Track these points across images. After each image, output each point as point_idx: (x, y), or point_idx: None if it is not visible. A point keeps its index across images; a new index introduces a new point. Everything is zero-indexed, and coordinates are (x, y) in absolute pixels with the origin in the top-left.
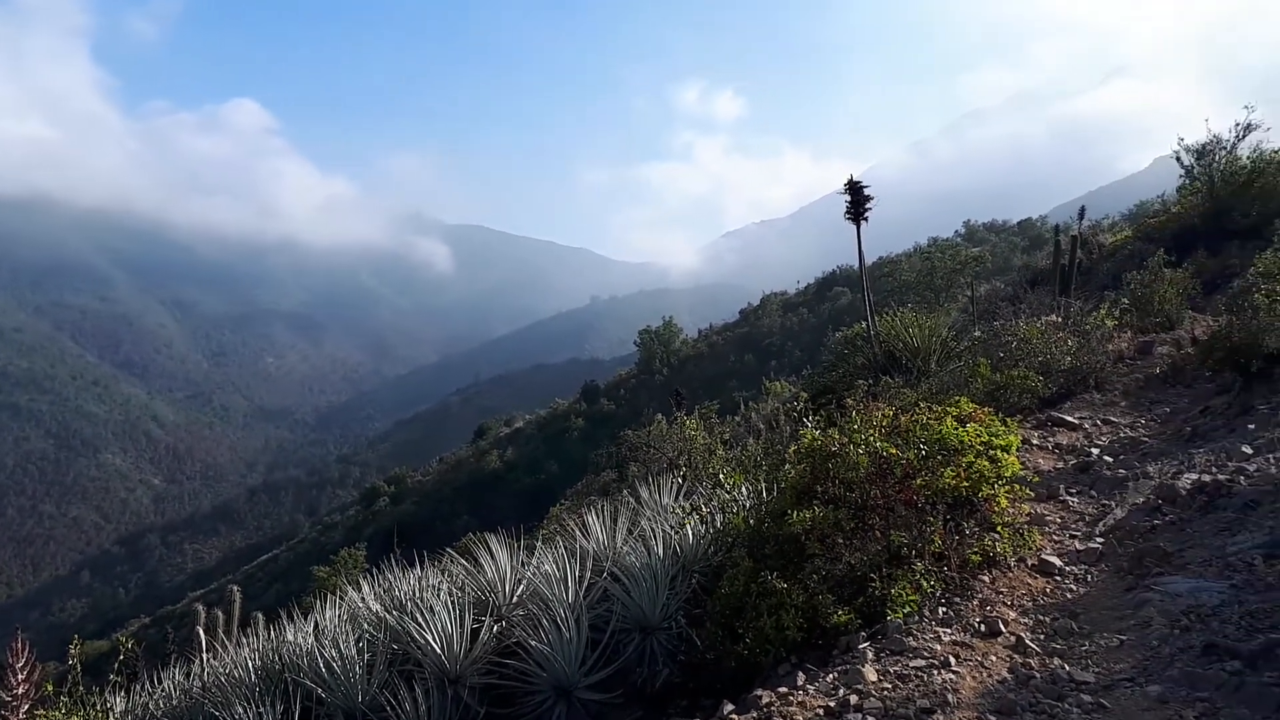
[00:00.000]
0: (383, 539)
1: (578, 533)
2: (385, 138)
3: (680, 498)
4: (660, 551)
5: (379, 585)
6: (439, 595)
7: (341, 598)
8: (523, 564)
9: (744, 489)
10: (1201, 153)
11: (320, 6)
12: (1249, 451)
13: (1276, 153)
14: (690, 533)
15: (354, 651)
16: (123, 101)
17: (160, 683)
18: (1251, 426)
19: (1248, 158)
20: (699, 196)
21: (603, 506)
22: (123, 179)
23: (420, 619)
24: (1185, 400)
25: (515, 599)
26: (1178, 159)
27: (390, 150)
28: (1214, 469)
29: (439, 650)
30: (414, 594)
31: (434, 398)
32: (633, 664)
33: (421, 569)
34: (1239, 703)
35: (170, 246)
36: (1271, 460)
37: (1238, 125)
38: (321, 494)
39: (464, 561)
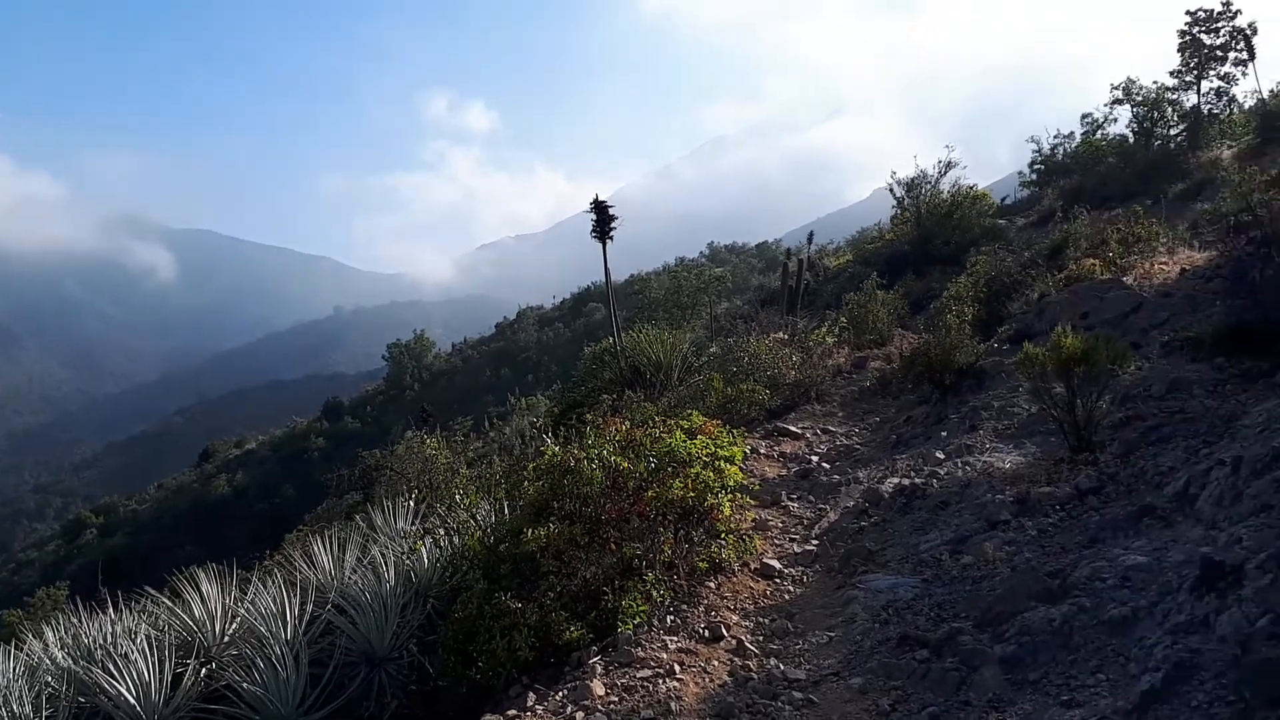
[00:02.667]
0: (90, 576)
1: (302, 563)
2: (101, 134)
3: (418, 520)
4: (392, 578)
5: (64, 631)
6: (135, 640)
7: (18, 648)
8: (238, 600)
9: (484, 508)
10: (910, 186)
11: None
12: (941, 456)
13: (972, 188)
14: (425, 556)
15: (29, 710)
16: None
17: None
18: (944, 434)
19: (948, 192)
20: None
21: (331, 534)
22: None
23: (112, 668)
24: (893, 410)
25: (227, 638)
26: (891, 191)
27: (105, 148)
28: (912, 473)
29: (133, 702)
30: (105, 640)
31: (153, 417)
32: (359, 698)
33: (118, 610)
34: (926, 688)
35: None
36: (959, 464)
37: (940, 163)
38: (15, 528)
39: (167, 600)
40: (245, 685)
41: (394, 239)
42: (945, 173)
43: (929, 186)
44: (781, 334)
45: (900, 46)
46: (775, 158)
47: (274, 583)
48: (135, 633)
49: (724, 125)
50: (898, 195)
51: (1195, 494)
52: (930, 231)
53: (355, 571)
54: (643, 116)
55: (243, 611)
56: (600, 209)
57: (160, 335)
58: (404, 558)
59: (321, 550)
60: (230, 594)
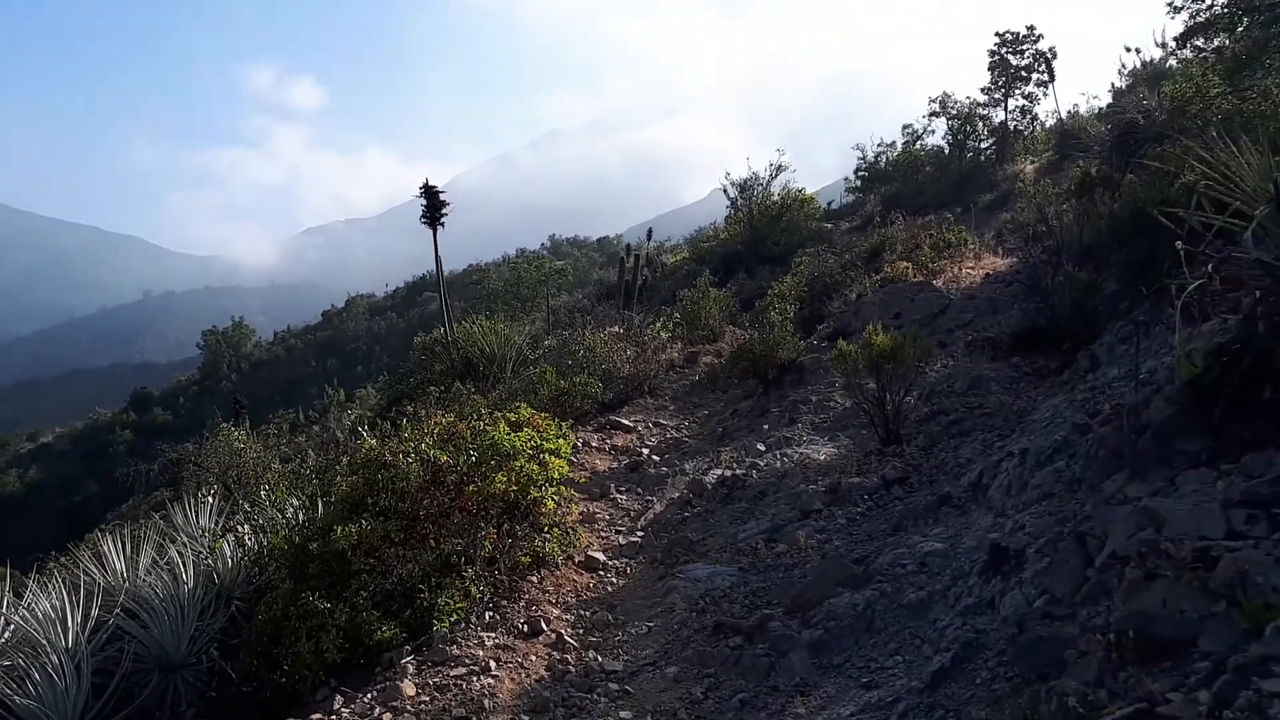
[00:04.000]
0: None
1: (91, 564)
2: None
3: (224, 518)
4: (190, 579)
5: None
6: None
7: None
8: (13, 606)
9: (294, 505)
10: (743, 187)
11: None
12: (762, 448)
13: (800, 192)
14: (228, 556)
15: None
16: None
17: None
18: (766, 426)
19: (779, 194)
20: (274, 187)
21: (125, 533)
22: None
23: None
24: (721, 404)
25: None
26: (725, 192)
27: None
28: (735, 465)
29: None
30: None
31: None
32: (152, 707)
33: None
34: (738, 674)
35: None
36: (778, 455)
37: (771, 166)
38: None
39: None
40: (18, 699)
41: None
42: (776, 175)
43: (761, 189)
44: (618, 328)
45: (735, 51)
46: (614, 153)
47: (56, 586)
48: None
49: (562, 118)
50: (731, 196)
51: (988, 484)
52: (761, 232)
53: (150, 573)
54: (481, 103)
55: (16, 618)
56: (430, 194)
57: None
58: (205, 558)
59: (112, 550)
60: (4, 599)
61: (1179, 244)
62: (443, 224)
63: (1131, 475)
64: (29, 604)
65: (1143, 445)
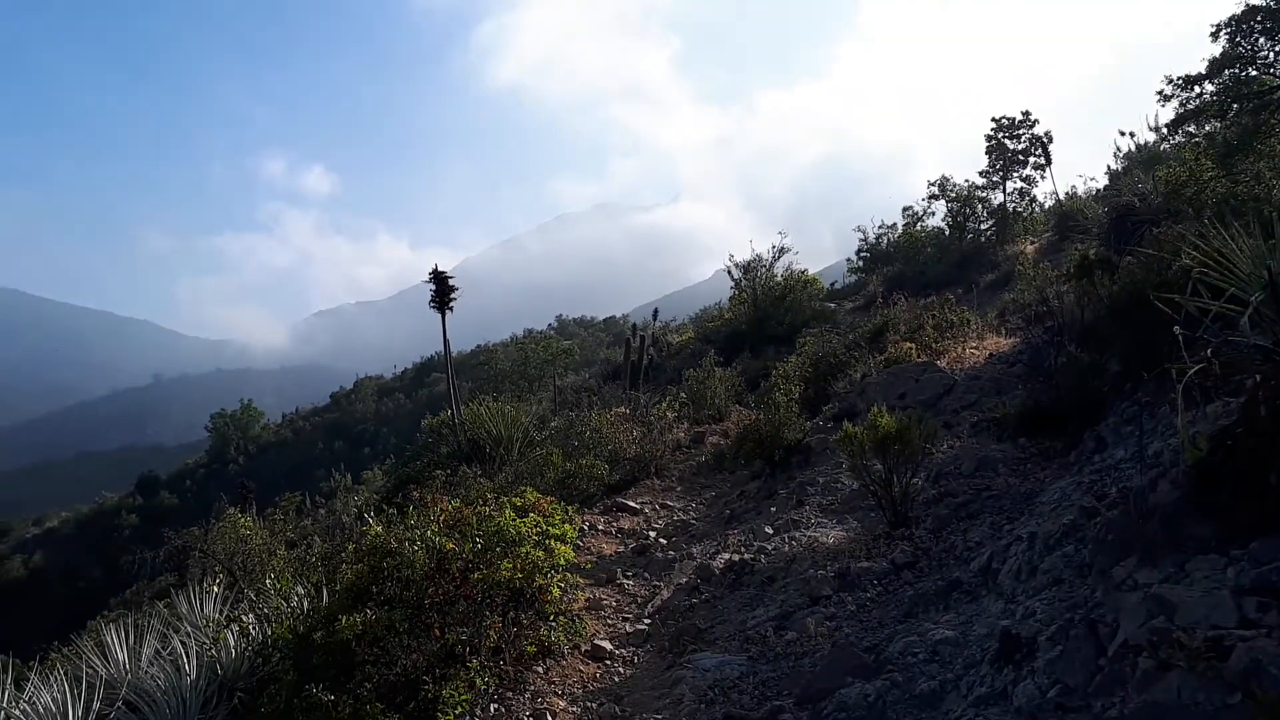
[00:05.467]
0: None
1: (93, 655)
2: None
3: (228, 606)
4: (193, 670)
5: None
6: None
7: None
8: (13, 699)
9: (299, 593)
10: (747, 269)
11: None
12: (770, 532)
13: (803, 272)
14: (231, 646)
15: None
16: None
17: None
18: (773, 509)
19: (782, 275)
20: (285, 271)
21: (129, 622)
22: None
23: None
24: (728, 485)
25: None
26: (729, 273)
27: None
28: (743, 549)
29: None
30: None
31: None
32: None
33: None
34: None
35: None
36: (786, 539)
37: (774, 248)
38: None
39: None
40: None
41: (223, 303)
42: (779, 257)
43: (764, 270)
44: (624, 408)
45: (733, 138)
46: (621, 235)
47: (58, 677)
48: None
49: (570, 202)
50: (735, 277)
51: (997, 568)
52: (765, 312)
53: (153, 664)
54: (489, 189)
55: (17, 712)
56: (440, 279)
57: None
58: (208, 648)
59: (115, 640)
60: (6, 691)
61: (1177, 329)
62: (451, 308)
63: (1141, 561)
64: (30, 697)
65: (1151, 530)
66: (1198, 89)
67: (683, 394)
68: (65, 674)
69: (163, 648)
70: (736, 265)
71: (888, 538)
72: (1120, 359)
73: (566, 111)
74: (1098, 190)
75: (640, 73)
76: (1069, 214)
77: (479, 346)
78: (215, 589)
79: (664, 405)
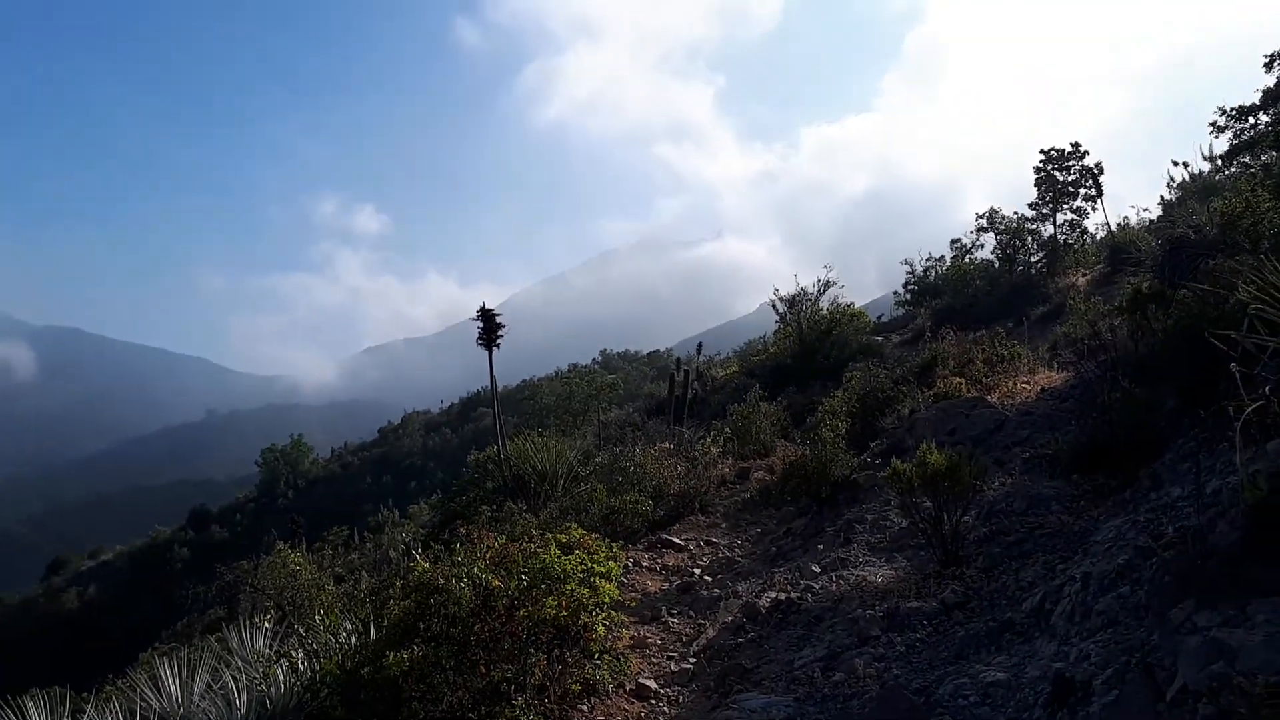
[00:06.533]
0: None
1: (146, 689)
2: None
3: (278, 641)
4: (244, 705)
5: None
6: None
7: None
8: None
9: (346, 629)
10: (792, 303)
11: None
12: (817, 570)
13: (849, 306)
14: (281, 681)
15: None
16: None
17: None
18: (820, 547)
19: (827, 309)
20: (336, 309)
21: (181, 656)
22: None
23: None
24: (774, 521)
25: None
26: (774, 307)
27: None
28: (789, 587)
29: None
30: None
31: None
32: None
33: None
34: None
35: None
36: (834, 578)
37: (819, 281)
38: None
39: None
40: None
41: (275, 340)
42: (824, 291)
43: (809, 304)
44: (668, 443)
45: (777, 173)
46: (664, 271)
47: (113, 710)
48: None
49: (614, 239)
50: (780, 311)
51: (1050, 609)
52: (811, 346)
53: (205, 697)
54: (535, 227)
55: None
56: (487, 316)
57: (8, 437)
58: (258, 683)
59: (168, 674)
60: None
61: (1234, 366)
62: (498, 345)
63: (1199, 603)
64: None
65: (1210, 571)
66: (1252, 120)
67: (727, 429)
68: (120, 707)
69: (214, 682)
70: (781, 299)
71: (938, 577)
72: (1176, 394)
73: (611, 150)
74: (1150, 221)
75: (684, 111)
76: (1121, 246)
77: (524, 381)
78: (265, 624)
79: (708, 440)
